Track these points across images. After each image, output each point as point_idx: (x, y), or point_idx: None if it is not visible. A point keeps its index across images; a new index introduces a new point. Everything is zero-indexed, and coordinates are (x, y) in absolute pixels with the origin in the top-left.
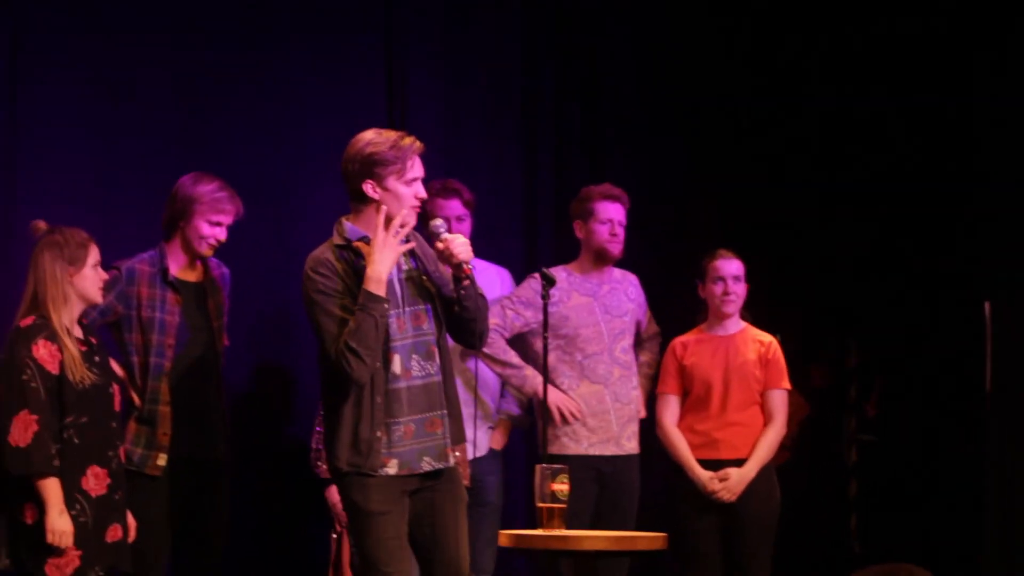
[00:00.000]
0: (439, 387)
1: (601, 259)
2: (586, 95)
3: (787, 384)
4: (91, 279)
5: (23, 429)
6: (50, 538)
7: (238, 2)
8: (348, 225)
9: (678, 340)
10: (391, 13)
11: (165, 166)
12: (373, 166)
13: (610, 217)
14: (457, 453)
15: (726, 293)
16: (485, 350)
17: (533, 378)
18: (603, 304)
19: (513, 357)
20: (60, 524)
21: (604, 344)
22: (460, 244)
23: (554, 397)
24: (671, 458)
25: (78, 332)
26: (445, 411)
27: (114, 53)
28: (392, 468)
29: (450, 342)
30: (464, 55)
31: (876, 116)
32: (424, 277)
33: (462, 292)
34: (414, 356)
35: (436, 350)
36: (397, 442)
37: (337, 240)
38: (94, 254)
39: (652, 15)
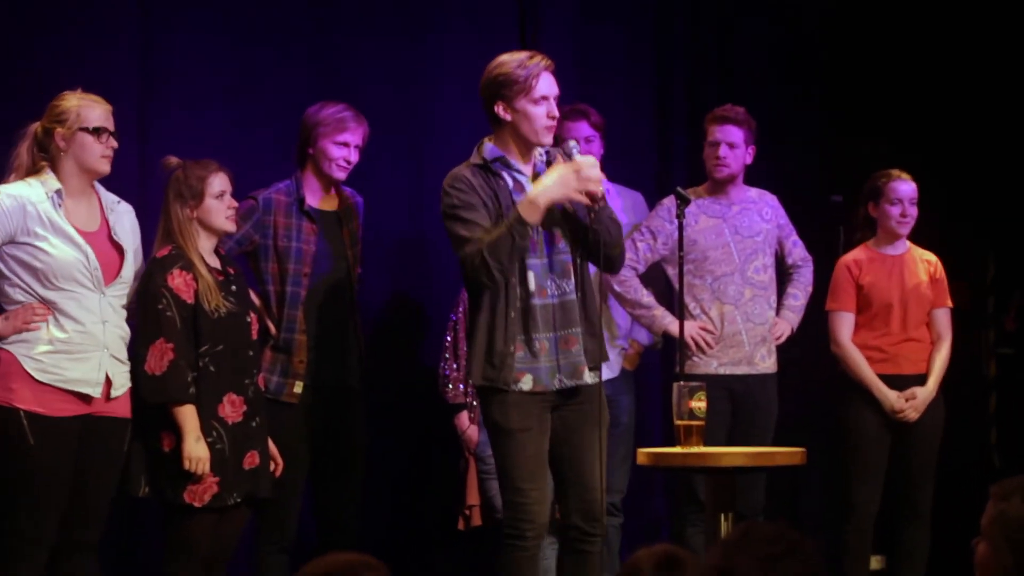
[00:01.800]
0: (575, 305)
1: (714, 182)
2: (720, 15)
3: (951, 302)
4: (215, 210)
5: (159, 357)
6: (187, 464)
7: None
8: (488, 146)
9: (850, 257)
10: None
11: (299, 98)
12: (501, 87)
13: (717, 138)
14: (592, 377)
15: (904, 215)
16: (616, 288)
17: (663, 318)
18: (733, 225)
19: (644, 296)
20: (197, 450)
21: (735, 265)
22: (589, 166)
23: (688, 328)
24: (850, 374)
25: (215, 262)
26: (580, 329)
27: None
28: (527, 384)
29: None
30: None
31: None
32: None
33: (592, 215)
34: (550, 275)
35: (572, 268)
36: (532, 358)
37: (475, 159)
38: (216, 184)
39: None
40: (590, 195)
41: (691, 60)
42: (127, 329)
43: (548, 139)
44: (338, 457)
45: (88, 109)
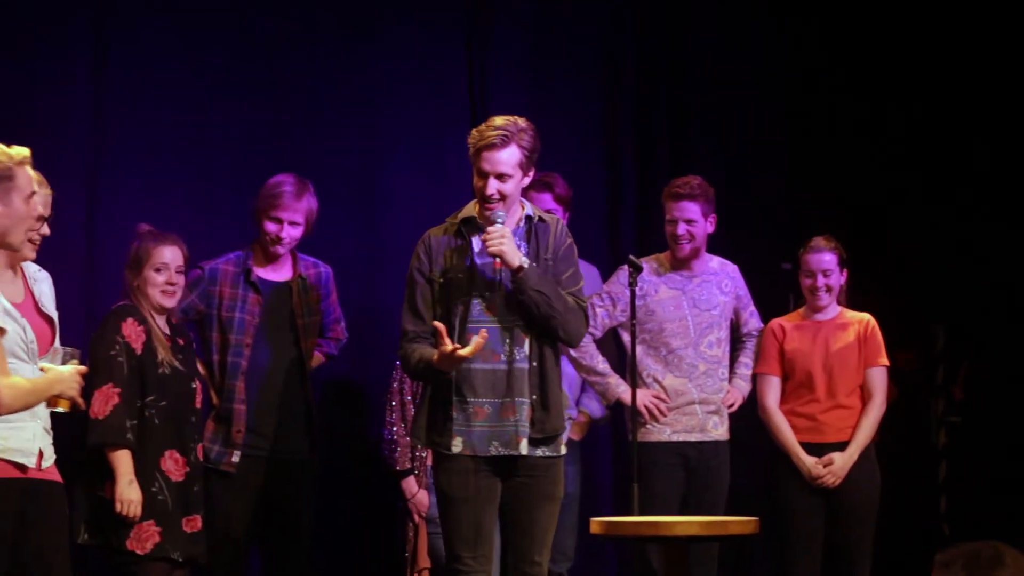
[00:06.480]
0: (525, 374)
1: (674, 254)
2: (670, 85)
3: (885, 360)
4: (149, 282)
5: (104, 402)
6: (119, 507)
7: (324, 6)
8: (467, 206)
9: (776, 322)
10: (474, 9)
11: (257, 168)
12: (470, 152)
13: (674, 216)
14: (542, 451)
15: (814, 287)
16: (573, 353)
17: (616, 386)
18: (692, 298)
19: (599, 363)
20: (129, 493)
21: (690, 338)
22: (493, 237)
23: (641, 397)
24: (774, 440)
25: (166, 329)
26: (526, 399)
27: (204, 55)
28: (457, 446)
29: None
30: (546, 49)
31: (969, 106)
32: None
33: (513, 286)
34: (506, 340)
35: (527, 337)
36: (465, 421)
37: (451, 218)
38: (161, 256)
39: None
40: (502, 262)
41: (642, 126)
42: None
43: (486, 214)
44: (282, 527)
45: None
